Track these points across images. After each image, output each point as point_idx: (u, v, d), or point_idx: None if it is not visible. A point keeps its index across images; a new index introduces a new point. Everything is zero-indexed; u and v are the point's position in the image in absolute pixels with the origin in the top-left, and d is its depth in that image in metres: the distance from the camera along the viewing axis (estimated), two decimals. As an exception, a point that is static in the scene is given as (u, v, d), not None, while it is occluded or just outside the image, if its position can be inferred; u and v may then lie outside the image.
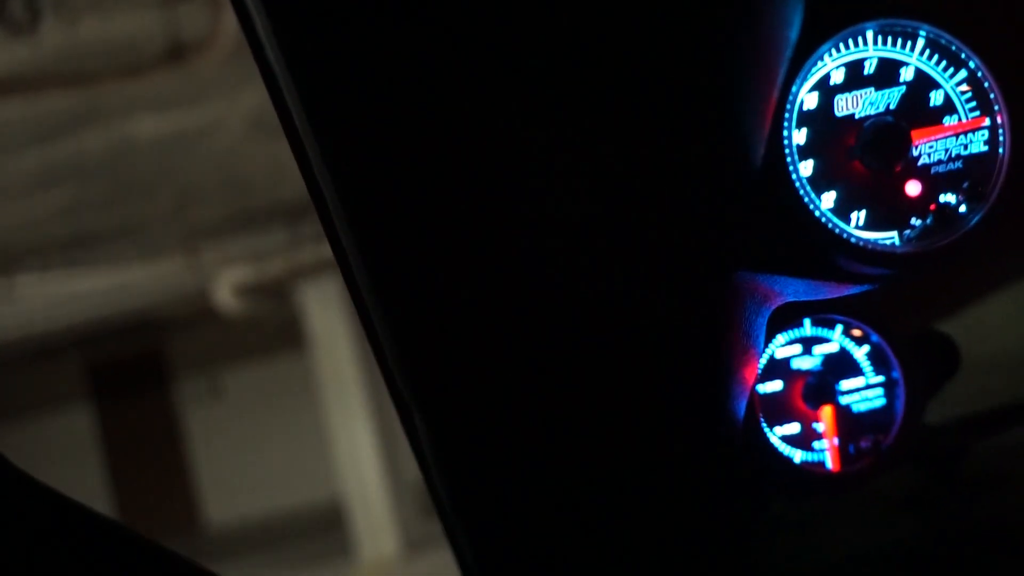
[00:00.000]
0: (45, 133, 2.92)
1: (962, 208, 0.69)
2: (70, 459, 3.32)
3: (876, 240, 0.69)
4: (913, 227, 0.69)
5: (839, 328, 0.92)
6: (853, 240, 0.68)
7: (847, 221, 0.70)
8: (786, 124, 0.68)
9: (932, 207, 0.69)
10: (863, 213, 0.70)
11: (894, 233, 0.70)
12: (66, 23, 2.87)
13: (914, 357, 0.93)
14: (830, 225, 0.68)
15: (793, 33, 0.65)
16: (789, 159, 0.68)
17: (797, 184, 0.68)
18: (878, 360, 0.91)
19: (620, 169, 0.63)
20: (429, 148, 0.63)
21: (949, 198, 0.70)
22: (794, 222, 0.68)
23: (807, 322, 0.92)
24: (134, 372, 3.57)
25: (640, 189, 0.64)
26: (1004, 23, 0.67)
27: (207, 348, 3.89)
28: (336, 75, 0.61)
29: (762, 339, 0.83)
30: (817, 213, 0.68)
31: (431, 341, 0.70)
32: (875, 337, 0.91)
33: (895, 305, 0.93)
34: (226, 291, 4.29)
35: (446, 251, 0.66)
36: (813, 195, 0.69)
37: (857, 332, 0.92)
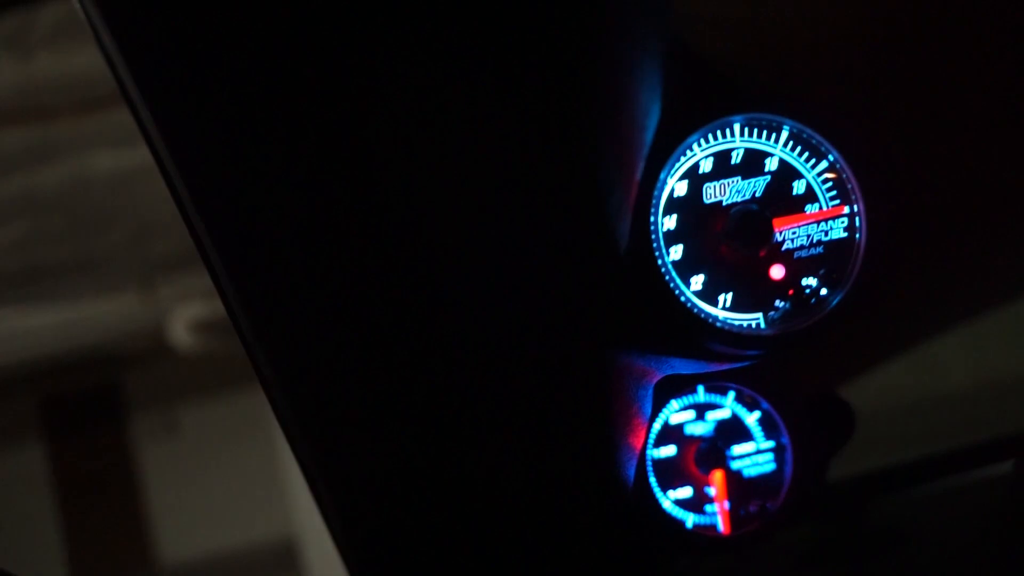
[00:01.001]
0: (-1, 167, 2.92)
1: (823, 291, 0.73)
2: (21, 495, 3.29)
3: (741, 323, 0.73)
4: (777, 308, 0.73)
5: (731, 395, 0.96)
6: (719, 324, 0.71)
7: (715, 303, 0.73)
8: (653, 210, 0.71)
9: (793, 290, 0.73)
10: (730, 295, 0.73)
11: (759, 315, 0.73)
12: (21, 59, 2.89)
13: (804, 423, 0.96)
14: (696, 309, 0.71)
15: (652, 123, 0.68)
16: (655, 244, 0.71)
17: (663, 269, 0.71)
18: (769, 426, 0.95)
19: (497, 250, 0.66)
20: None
21: (811, 281, 0.73)
22: (662, 306, 0.71)
23: (700, 389, 0.95)
24: (88, 408, 3.54)
25: (515, 269, 0.67)
26: (861, 120, 0.71)
27: (162, 384, 3.86)
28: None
29: (648, 408, 0.86)
30: (683, 298, 0.71)
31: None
32: (765, 404, 0.94)
33: (785, 372, 0.96)
34: (182, 327, 4.29)
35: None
36: (679, 280, 0.72)
37: (748, 398, 0.95)
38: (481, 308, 0.68)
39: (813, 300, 0.73)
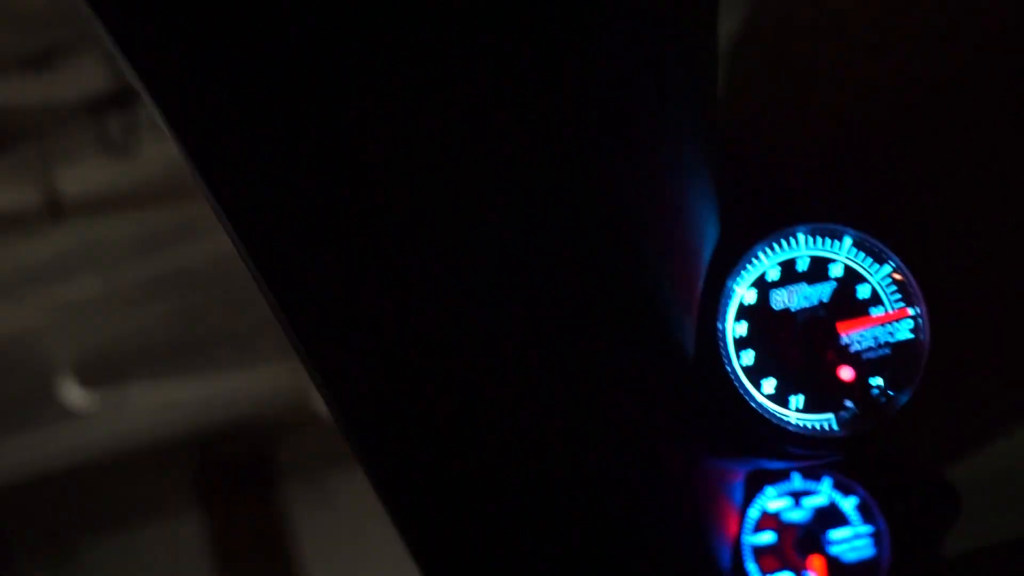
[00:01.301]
0: (149, 246, 3.11)
1: (891, 391, 0.76)
2: (179, 564, 3.45)
3: (813, 423, 0.76)
4: (848, 408, 0.76)
5: (827, 481, 0.98)
6: (791, 428, 0.75)
7: (786, 405, 0.77)
8: (721, 317, 0.75)
9: (863, 391, 0.76)
10: (801, 398, 0.77)
11: (831, 415, 0.76)
12: (162, 141, 3.08)
13: (900, 506, 0.98)
14: (767, 413, 0.75)
15: (711, 231, 0.73)
16: (723, 351, 0.75)
17: (732, 375, 0.75)
18: (866, 511, 0.97)
19: (566, 367, 0.71)
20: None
21: (879, 382, 0.76)
22: (734, 411, 0.75)
23: (796, 476, 0.98)
24: (240, 478, 3.70)
25: (588, 382, 0.72)
26: (919, 225, 0.74)
27: (312, 454, 3.99)
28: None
29: (739, 497, 0.90)
30: (754, 402, 0.75)
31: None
32: (861, 490, 0.97)
33: (881, 457, 0.99)
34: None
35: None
36: (751, 384, 0.76)
37: (844, 484, 0.98)
38: (554, 421, 0.73)
39: (883, 399, 0.76)
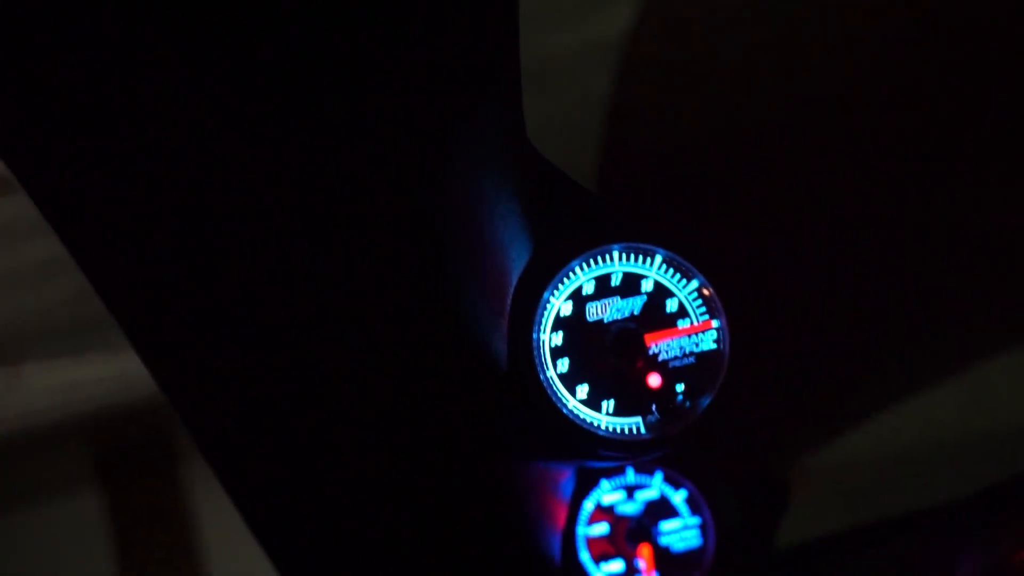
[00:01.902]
0: (46, 225, 3.08)
1: (694, 397, 0.82)
2: (79, 544, 3.44)
3: (622, 426, 0.82)
4: (654, 413, 0.82)
5: (659, 475, 1.05)
6: (600, 432, 0.81)
7: (598, 409, 0.83)
8: (536, 328, 0.81)
9: (668, 397, 0.82)
10: (612, 402, 0.83)
11: (639, 419, 0.83)
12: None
13: (725, 500, 1.05)
14: (578, 420, 0.81)
15: (519, 251, 0.77)
16: (538, 360, 0.81)
17: (545, 383, 0.81)
18: (694, 504, 1.04)
19: (380, 384, 0.76)
20: None
21: (683, 389, 0.82)
22: (546, 416, 0.80)
23: (630, 470, 1.05)
24: (142, 457, 3.68)
25: (400, 395, 0.77)
26: (722, 246, 0.80)
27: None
28: None
29: (574, 490, 0.96)
30: (566, 410, 0.81)
31: None
32: (690, 484, 1.03)
33: (709, 454, 1.06)
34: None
35: None
36: (566, 390, 0.82)
37: (675, 479, 1.04)
38: (368, 432, 0.78)
39: (687, 404, 0.82)
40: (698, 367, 0.83)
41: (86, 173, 0.65)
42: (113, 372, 3.50)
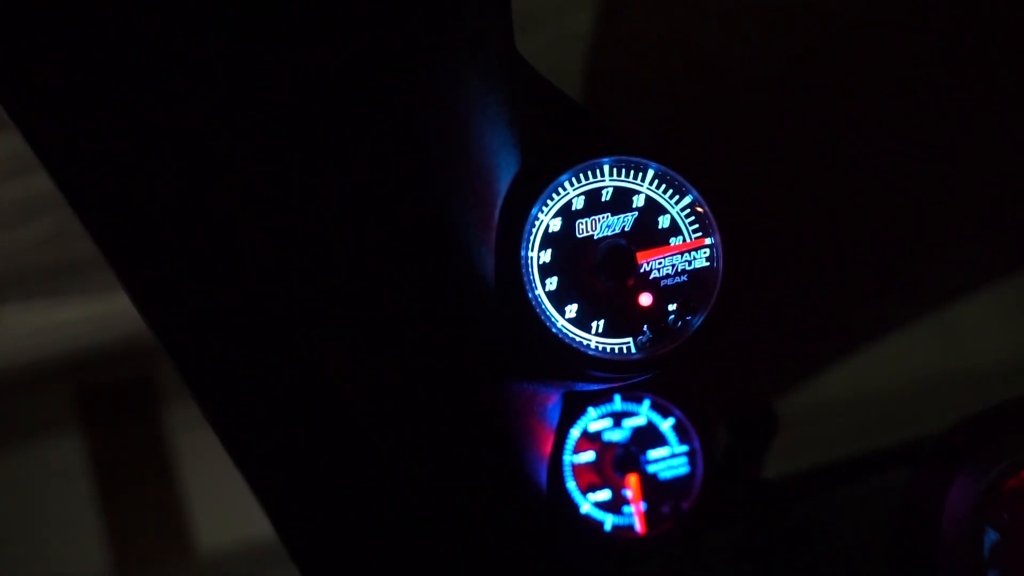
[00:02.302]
0: (23, 167, 3.03)
1: (687, 316, 0.80)
2: (56, 487, 3.42)
3: (612, 347, 0.80)
4: (645, 333, 0.80)
5: (647, 403, 1.03)
6: (591, 352, 0.79)
7: (588, 329, 0.80)
8: (525, 245, 0.78)
9: (660, 316, 0.80)
10: (602, 322, 0.80)
11: (629, 339, 0.80)
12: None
13: (714, 429, 1.03)
14: (568, 337, 0.79)
15: (508, 165, 0.75)
16: (527, 278, 0.78)
17: (534, 301, 0.78)
18: (682, 432, 1.02)
19: (368, 305, 0.73)
20: None
21: (675, 307, 0.80)
22: (536, 335, 0.78)
23: (617, 397, 1.03)
24: (122, 399, 3.66)
25: (391, 319, 0.75)
26: (717, 161, 0.78)
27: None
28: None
29: (555, 418, 0.94)
30: (555, 329, 0.79)
31: None
32: (678, 412, 1.01)
33: (697, 381, 1.04)
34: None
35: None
36: (555, 309, 0.79)
37: (663, 406, 1.02)
38: (360, 356, 0.75)
39: (679, 324, 0.80)
40: (690, 286, 0.81)
41: (82, 110, 0.64)
42: (92, 313, 3.45)
